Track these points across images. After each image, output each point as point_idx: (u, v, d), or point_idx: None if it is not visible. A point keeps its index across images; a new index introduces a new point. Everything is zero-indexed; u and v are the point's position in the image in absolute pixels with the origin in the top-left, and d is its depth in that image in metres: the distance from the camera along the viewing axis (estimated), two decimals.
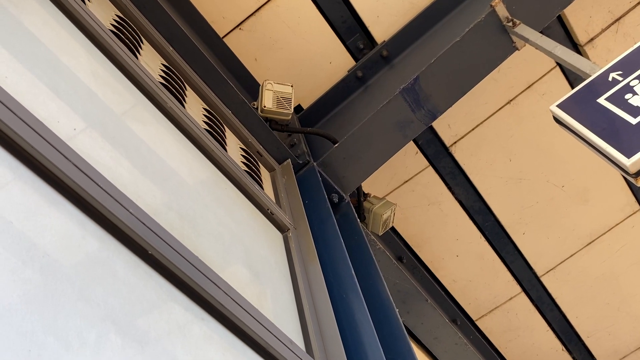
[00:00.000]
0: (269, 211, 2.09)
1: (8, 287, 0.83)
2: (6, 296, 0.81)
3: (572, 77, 3.31)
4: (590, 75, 1.97)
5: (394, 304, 2.08)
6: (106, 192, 1.11)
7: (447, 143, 3.46)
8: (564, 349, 4.25)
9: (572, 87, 2.89)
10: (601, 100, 1.85)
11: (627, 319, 4.19)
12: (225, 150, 2.17)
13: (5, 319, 0.78)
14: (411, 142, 3.27)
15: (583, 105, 1.88)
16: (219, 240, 1.55)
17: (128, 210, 1.13)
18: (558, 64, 3.28)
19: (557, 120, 1.96)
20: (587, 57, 3.24)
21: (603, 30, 3.23)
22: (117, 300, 1.00)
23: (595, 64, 2.06)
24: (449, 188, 3.57)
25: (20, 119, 1.02)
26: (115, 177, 1.24)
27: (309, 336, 1.55)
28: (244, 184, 2.05)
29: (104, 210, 1.09)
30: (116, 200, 1.12)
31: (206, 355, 1.12)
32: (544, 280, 3.99)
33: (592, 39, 3.24)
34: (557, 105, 1.94)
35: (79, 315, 0.91)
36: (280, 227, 2.12)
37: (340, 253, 2.08)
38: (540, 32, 2.48)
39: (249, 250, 1.71)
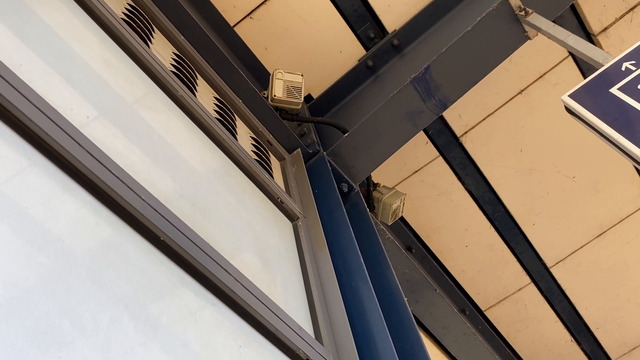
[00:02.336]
0: (278, 200, 2.10)
1: (24, 271, 0.84)
2: (22, 280, 0.83)
3: (584, 67, 3.28)
4: (603, 65, 1.95)
5: (403, 293, 2.09)
6: (119, 179, 1.13)
7: (458, 133, 3.45)
8: (573, 339, 4.25)
9: (585, 78, 2.86)
10: (614, 90, 1.83)
11: (637, 311, 4.18)
12: (236, 139, 2.18)
13: (22, 302, 0.80)
14: (421, 132, 3.27)
15: (595, 95, 1.87)
16: (230, 228, 1.57)
17: (140, 197, 1.15)
18: (570, 53, 3.25)
19: (569, 110, 1.95)
20: (601, 47, 3.21)
21: (617, 20, 3.19)
22: (130, 285, 1.02)
23: (609, 54, 2.04)
24: (459, 178, 3.57)
25: (35, 106, 1.04)
26: (127, 164, 1.25)
27: (318, 323, 1.57)
28: (255, 172, 2.06)
29: (117, 197, 1.10)
30: (129, 188, 1.14)
31: (217, 340, 1.14)
32: (553, 271, 3.98)
33: (605, 29, 3.21)
34: (569, 95, 1.92)
35: (93, 299, 0.92)
36: (290, 216, 2.13)
37: (349, 242, 2.09)
38: (553, 22, 2.45)
39: (259, 238, 1.73)
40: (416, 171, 3.53)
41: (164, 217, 1.18)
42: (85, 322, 0.88)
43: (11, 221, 0.88)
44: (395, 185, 3.51)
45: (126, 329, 0.95)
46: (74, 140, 1.08)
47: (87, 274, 0.95)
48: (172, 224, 1.19)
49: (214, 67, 2.44)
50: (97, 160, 1.10)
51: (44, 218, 0.95)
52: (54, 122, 1.06)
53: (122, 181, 1.13)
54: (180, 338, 1.06)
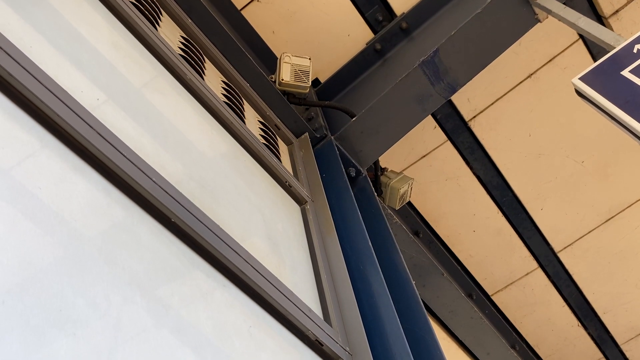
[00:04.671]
0: (286, 184, 2.11)
1: (38, 251, 0.85)
2: (36, 260, 0.84)
3: (595, 50, 3.24)
4: (615, 47, 1.93)
5: (411, 277, 2.10)
6: (130, 161, 1.13)
7: (466, 117, 3.43)
8: (580, 324, 4.26)
9: (595, 61, 2.84)
10: (625, 73, 1.82)
11: None
12: (244, 123, 2.18)
13: (37, 281, 0.81)
14: (429, 116, 3.25)
15: (606, 77, 1.85)
16: (239, 211, 1.58)
17: (151, 179, 1.15)
18: (581, 37, 3.22)
19: (579, 93, 1.93)
20: (612, 30, 3.17)
21: (629, 2, 3.14)
22: (142, 265, 1.03)
23: (620, 36, 2.02)
24: (467, 163, 3.56)
25: (46, 87, 1.04)
26: (138, 147, 1.26)
27: (326, 305, 1.58)
28: (263, 156, 2.07)
29: (128, 179, 1.11)
30: (140, 169, 1.14)
31: (227, 320, 1.15)
32: (561, 256, 3.98)
33: (617, 11, 3.16)
34: (580, 78, 1.91)
35: (105, 279, 0.94)
36: (298, 200, 2.14)
37: (357, 226, 2.09)
38: (564, 4, 2.42)
39: (268, 221, 1.73)
40: (424, 156, 3.53)
41: (174, 199, 1.19)
42: (99, 301, 0.89)
43: (25, 201, 0.89)
44: (403, 170, 3.50)
45: (138, 309, 0.96)
46: (85, 122, 1.09)
47: (100, 254, 0.96)
48: (183, 206, 1.20)
49: (221, 50, 2.44)
50: (108, 142, 1.11)
51: (57, 199, 0.96)
52: (65, 104, 1.06)
53: (133, 163, 1.14)
54: (191, 318, 1.07)
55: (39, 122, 1.01)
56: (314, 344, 1.36)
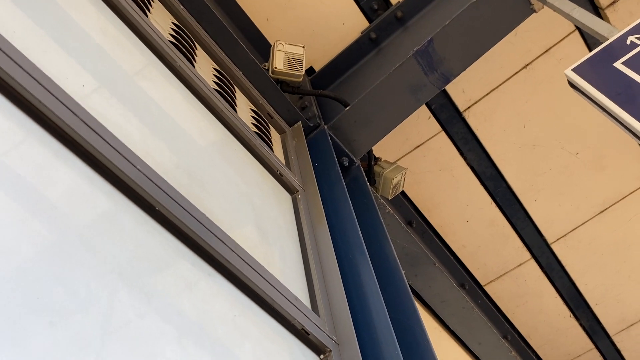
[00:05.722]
0: (278, 173, 2.10)
1: (18, 238, 0.85)
2: (17, 246, 0.84)
3: (591, 41, 3.23)
4: (608, 39, 1.92)
5: (401, 266, 2.10)
6: (114, 148, 1.12)
7: (461, 108, 3.42)
8: (572, 315, 4.28)
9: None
10: (618, 65, 1.80)
11: (637, 287, 4.19)
12: (235, 111, 2.16)
13: (15, 268, 0.81)
14: (424, 106, 3.24)
15: (599, 69, 1.84)
16: (228, 200, 1.57)
17: (136, 167, 1.15)
18: (577, 28, 3.20)
19: (572, 85, 1.92)
20: (608, 21, 3.15)
21: None
22: (125, 254, 1.03)
23: (614, 27, 2.00)
24: (461, 154, 3.55)
25: (29, 74, 1.03)
26: (124, 134, 1.25)
27: (315, 295, 1.58)
28: (254, 145, 2.05)
29: (112, 167, 1.10)
30: (124, 157, 1.14)
31: (212, 309, 1.15)
32: (554, 247, 3.99)
33: (614, 2, 3.14)
34: (573, 69, 1.90)
35: (87, 267, 0.93)
36: (289, 189, 2.13)
37: (348, 216, 2.09)
38: None
39: (258, 211, 1.73)
40: (418, 146, 3.52)
41: (159, 187, 1.18)
42: (80, 289, 0.89)
43: (5, 188, 0.88)
44: (398, 160, 3.50)
45: (120, 297, 0.96)
46: (69, 109, 1.07)
47: (82, 241, 0.96)
48: (167, 194, 1.19)
49: (213, 37, 2.42)
50: (92, 130, 1.10)
51: (39, 186, 0.95)
52: (48, 90, 1.05)
53: (117, 151, 1.13)
54: (175, 307, 1.07)
55: (21, 109, 1.00)
56: (300, 333, 1.36)
